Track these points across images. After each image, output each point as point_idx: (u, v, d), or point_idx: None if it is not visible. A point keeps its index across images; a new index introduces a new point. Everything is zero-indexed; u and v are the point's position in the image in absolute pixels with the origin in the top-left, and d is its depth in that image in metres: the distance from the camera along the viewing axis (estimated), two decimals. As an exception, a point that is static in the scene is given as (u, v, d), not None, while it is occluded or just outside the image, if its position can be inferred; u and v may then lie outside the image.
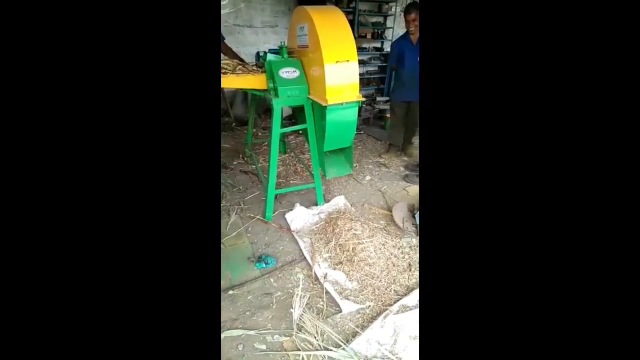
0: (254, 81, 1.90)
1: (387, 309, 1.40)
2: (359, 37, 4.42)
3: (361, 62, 4.60)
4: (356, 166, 2.90)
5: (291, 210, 2.11)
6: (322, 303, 1.47)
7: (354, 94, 1.70)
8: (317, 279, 1.60)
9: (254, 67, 2.01)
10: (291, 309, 1.38)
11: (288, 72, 1.81)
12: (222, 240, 1.85)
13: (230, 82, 1.88)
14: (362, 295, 1.50)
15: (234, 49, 2.60)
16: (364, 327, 1.34)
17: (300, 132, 3.56)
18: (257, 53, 2.29)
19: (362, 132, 3.87)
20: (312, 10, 1.68)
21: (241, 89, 3.41)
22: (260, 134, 3.75)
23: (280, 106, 1.82)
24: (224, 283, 1.56)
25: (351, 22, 4.10)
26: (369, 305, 1.45)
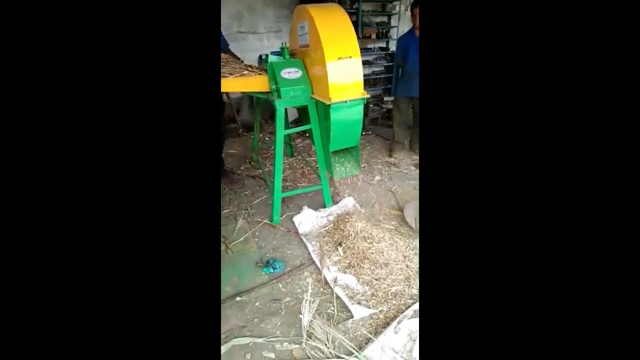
0: (256, 83, 1.87)
1: (401, 314, 1.33)
2: (363, 37, 4.37)
3: (367, 63, 4.55)
4: (365, 167, 2.84)
5: (299, 213, 2.07)
6: (332, 308, 1.41)
7: (359, 91, 1.66)
8: (326, 283, 1.54)
9: (254, 68, 1.99)
10: (300, 315, 1.33)
11: (290, 73, 1.78)
12: (229, 246, 1.82)
13: (232, 85, 1.86)
14: (374, 299, 1.43)
15: (239, 56, 2.59)
16: (377, 333, 1.27)
17: (307, 134, 3.53)
18: (260, 56, 2.28)
19: (370, 132, 3.81)
20: (312, 8, 1.65)
21: (246, 93, 3.42)
22: (267, 138, 3.73)
23: (283, 107, 1.79)
24: (231, 289, 1.53)
25: (355, 23, 4.05)
26: (382, 310, 1.38)
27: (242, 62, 2.08)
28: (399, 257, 1.63)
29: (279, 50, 1.96)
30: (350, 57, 1.59)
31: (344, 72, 1.60)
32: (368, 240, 1.69)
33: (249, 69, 1.99)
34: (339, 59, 1.57)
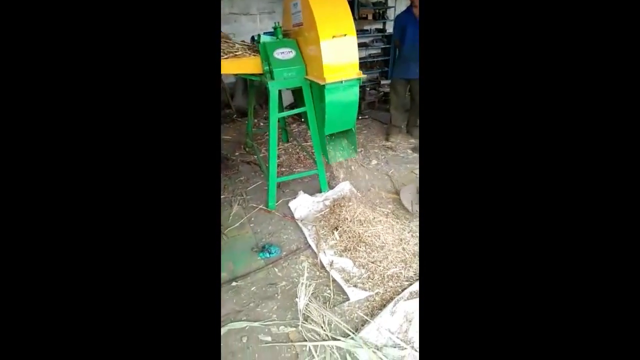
0: (249, 65, 1.81)
1: (397, 296, 1.33)
2: (359, 18, 4.24)
3: (363, 45, 4.43)
4: (362, 151, 2.81)
5: (295, 198, 2.05)
6: (328, 292, 1.41)
7: (354, 71, 1.60)
8: (322, 267, 1.53)
9: (247, 48, 1.91)
10: (296, 299, 1.33)
11: (283, 53, 1.72)
12: (225, 232, 1.81)
13: (224, 67, 1.79)
14: (370, 282, 1.43)
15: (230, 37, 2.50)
16: (373, 315, 1.27)
17: (302, 118, 3.47)
18: (252, 37, 2.20)
19: (367, 116, 3.75)
20: (305, -16, 1.58)
21: (240, 77, 3.33)
22: (262, 124, 3.67)
23: (276, 89, 1.73)
24: (226, 274, 1.52)
25: (351, 4, 3.92)
26: (378, 292, 1.38)
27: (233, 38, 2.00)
28: (395, 240, 1.63)
29: (272, 30, 1.89)
30: (345, 35, 1.53)
31: (339, 51, 1.55)
32: (364, 224, 1.68)
33: (242, 49, 1.92)
34: (334, 37, 1.51)
